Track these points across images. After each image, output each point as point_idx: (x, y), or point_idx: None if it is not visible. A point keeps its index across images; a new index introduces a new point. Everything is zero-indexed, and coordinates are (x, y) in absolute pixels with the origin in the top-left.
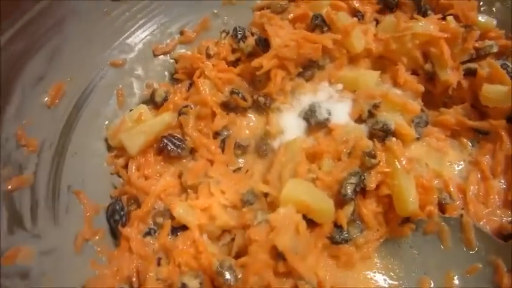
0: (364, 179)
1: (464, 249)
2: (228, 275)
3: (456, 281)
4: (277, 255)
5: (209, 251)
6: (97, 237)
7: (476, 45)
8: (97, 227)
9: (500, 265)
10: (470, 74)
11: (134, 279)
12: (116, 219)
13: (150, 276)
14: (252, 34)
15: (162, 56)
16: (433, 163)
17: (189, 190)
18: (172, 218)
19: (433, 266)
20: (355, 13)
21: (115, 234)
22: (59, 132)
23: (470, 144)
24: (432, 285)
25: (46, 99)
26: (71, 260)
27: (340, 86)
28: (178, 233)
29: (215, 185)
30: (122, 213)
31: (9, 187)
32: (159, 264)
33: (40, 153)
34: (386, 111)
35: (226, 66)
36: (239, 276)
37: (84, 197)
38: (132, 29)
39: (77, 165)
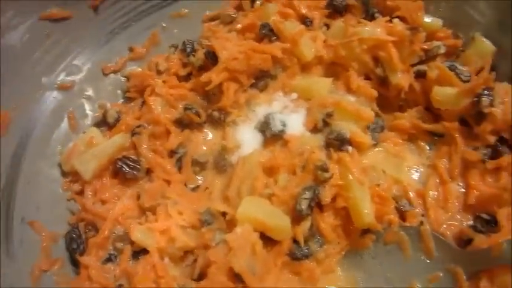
0: (319, 193)
1: (425, 258)
2: None
3: None
4: (235, 276)
5: (170, 274)
6: (56, 267)
7: (425, 46)
8: (56, 256)
9: (459, 273)
10: (421, 76)
11: None
12: (73, 247)
13: None
14: (202, 47)
15: (112, 74)
16: (391, 169)
17: (147, 212)
18: (132, 242)
19: (395, 276)
20: (304, 20)
21: (75, 262)
22: (8, 162)
23: (428, 148)
24: None
25: None
26: None
27: (294, 95)
28: (140, 257)
29: (173, 206)
30: (79, 241)
31: None
32: None
33: None
34: (340, 120)
35: (178, 81)
36: None
37: (39, 227)
38: (79, 49)
39: (30, 194)
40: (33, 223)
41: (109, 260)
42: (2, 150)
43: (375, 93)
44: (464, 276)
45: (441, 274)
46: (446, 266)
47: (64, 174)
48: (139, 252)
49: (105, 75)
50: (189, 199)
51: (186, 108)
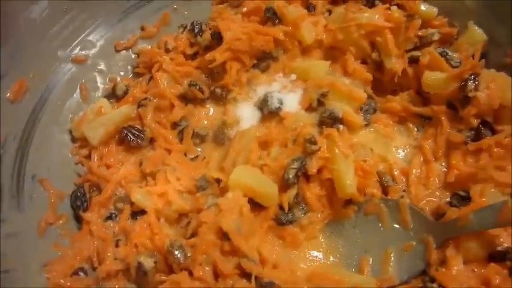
0: (306, 164)
1: (401, 228)
2: (177, 254)
3: (392, 258)
4: (223, 235)
5: (164, 232)
6: (60, 222)
7: (420, 33)
8: (61, 213)
9: (430, 242)
10: (414, 61)
11: (94, 259)
12: (78, 204)
13: (108, 256)
14: (210, 28)
15: (124, 51)
16: (379, 148)
17: (148, 177)
18: (131, 203)
19: (373, 244)
20: (307, 5)
21: (78, 219)
22: (23, 125)
23: (416, 130)
24: (371, 261)
25: (8, 94)
26: (33, 243)
27: (293, 77)
28: (138, 217)
29: (171, 173)
30: (84, 199)
31: None
32: (117, 245)
33: (4, 146)
34: (335, 100)
35: (184, 59)
36: (189, 255)
37: (48, 185)
38: (94, 26)
39: (42, 155)
40: (43, 181)
41: (109, 218)
42: (18, 115)
43: (370, 76)
44: (434, 245)
45: (414, 243)
46: (420, 235)
47: (74, 140)
48: (138, 213)
49: (117, 51)
50: (187, 167)
51: (190, 85)
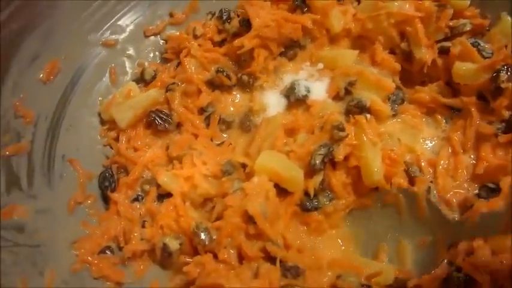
0: (333, 150)
1: (417, 221)
2: (203, 236)
3: (408, 251)
4: (249, 219)
5: (189, 215)
6: (89, 201)
7: (451, 24)
8: (89, 193)
9: (441, 241)
10: (444, 52)
11: (121, 239)
12: (106, 185)
13: (134, 236)
14: (238, 15)
15: (152, 36)
16: (406, 139)
17: (174, 161)
18: (158, 186)
19: (390, 234)
20: None
21: (106, 200)
22: (54, 106)
23: (444, 121)
24: (388, 252)
25: (42, 75)
26: (63, 220)
27: (320, 66)
28: (164, 200)
29: (198, 157)
30: (112, 180)
31: (7, 152)
32: (143, 226)
33: (36, 125)
34: (362, 89)
35: (212, 46)
36: (214, 238)
37: (77, 165)
38: (124, 11)
39: (71, 136)
40: (72, 161)
41: (136, 199)
42: (49, 96)
43: (398, 66)
44: (446, 246)
45: (430, 238)
46: (434, 232)
47: (102, 122)
48: (164, 195)
49: (146, 36)
50: (214, 152)
51: (218, 71)
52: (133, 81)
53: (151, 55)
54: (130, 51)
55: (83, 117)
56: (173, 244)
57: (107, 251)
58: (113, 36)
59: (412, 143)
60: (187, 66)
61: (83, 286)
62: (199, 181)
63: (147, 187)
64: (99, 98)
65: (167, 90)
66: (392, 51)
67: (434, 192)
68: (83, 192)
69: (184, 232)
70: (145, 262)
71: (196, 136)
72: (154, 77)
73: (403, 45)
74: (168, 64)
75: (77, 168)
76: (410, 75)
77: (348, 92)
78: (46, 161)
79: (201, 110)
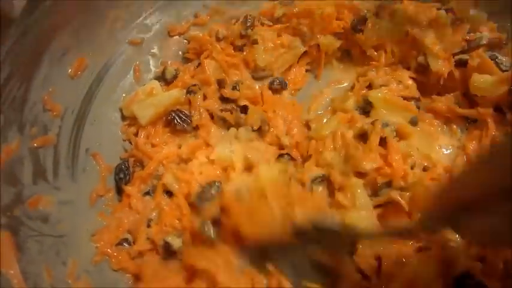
0: None
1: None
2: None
3: None
4: None
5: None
6: (110, 194)
7: (467, 37)
8: (110, 186)
9: None
10: (462, 65)
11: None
12: (120, 177)
13: (141, 236)
14: (262, 24)
15: (177, 36)
16: (423, 147)
17: (181, 164)
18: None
19: None
20: None
21: (120, 191)
22: (80, 101)
23: (460, 131)
24: None
25: (70, 70)
26: (85, 212)
27: None
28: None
29: (198, 166)
30: (127, 172)
31: (35, 144)
32: (149, 226)
33: (63, 118)
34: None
35: (233, 51)
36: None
37: (100, 159)
38: (151, 10)
39: (95, 131)
40: (95, 155)
41: (147, 193)
42: (76, 91)
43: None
44: None
45: None
46: None
47: (124, 118)
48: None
49: (171, 36)
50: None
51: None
52: (155, 78)
53: (175, 54)
54: (155, 50)
55: (106, 113)
56: (176, 242)
57: (124, 243)
58: (140, 35)
59: (428, 150)
60: (206, 68)
61: (103, 276)
62: (194, 189)
63: (156, 182)
64: (123, 95)
65: (188, 91)
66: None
67: None
68: (105, 185)
69: (186, 229)
70: (155, 258)
71: (207, 145)
72: (175, 77)
73: (420, 58)
74: (189, 64)
75: (99, 162)
76: (427, 85)
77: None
78: (71, 154)
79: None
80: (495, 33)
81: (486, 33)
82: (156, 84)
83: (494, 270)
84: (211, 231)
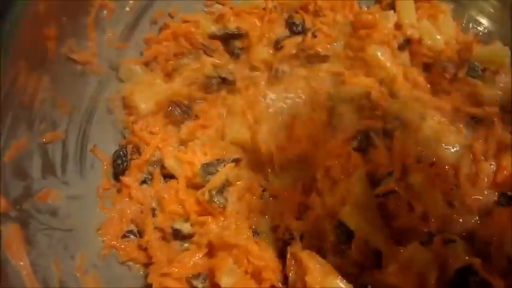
0: None
1: None
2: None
3: None
4: None
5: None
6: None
7: None
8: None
9: None
10: None
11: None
12: (118, 163)
13: (148, 227)
14: None
15: None
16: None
17: (180, 146)
18: (162, 167)
19: None
20: None
21: (117, 178)
22: (88, 98)
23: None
24: None
25: (78, 68)
26: (93, 208)
27: None
28: (167, 180)
29: (200, 147)
30: (124, 159)
31: (44, 140)
32: (154, 215)
33: (71, 116)
34: None
35: None
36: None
37: (99, 153)
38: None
39: (102, 128)
40: (95, 150)
41: (144, 182)
42: (84, 88)
43: None
44: None
45: None
46: None
47: (124, 106)
48: (167, 176)
49: None
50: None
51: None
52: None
53: None
54: None
55: (113, 110)
56: (184, 227)
57: (130, 235)
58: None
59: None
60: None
61: (110, 270)
62: (198, 169)
63: (152, 168)
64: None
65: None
66: None
67: None
68: (109, 179)
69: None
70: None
71: (205, 127)
72: (175, 69)
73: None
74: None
75: (98, 156)
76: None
77: None
78: (79, 150)
79: None
80: None
81: None
82: (158, 75)
83: (498, 267)
84: (221, 199)
